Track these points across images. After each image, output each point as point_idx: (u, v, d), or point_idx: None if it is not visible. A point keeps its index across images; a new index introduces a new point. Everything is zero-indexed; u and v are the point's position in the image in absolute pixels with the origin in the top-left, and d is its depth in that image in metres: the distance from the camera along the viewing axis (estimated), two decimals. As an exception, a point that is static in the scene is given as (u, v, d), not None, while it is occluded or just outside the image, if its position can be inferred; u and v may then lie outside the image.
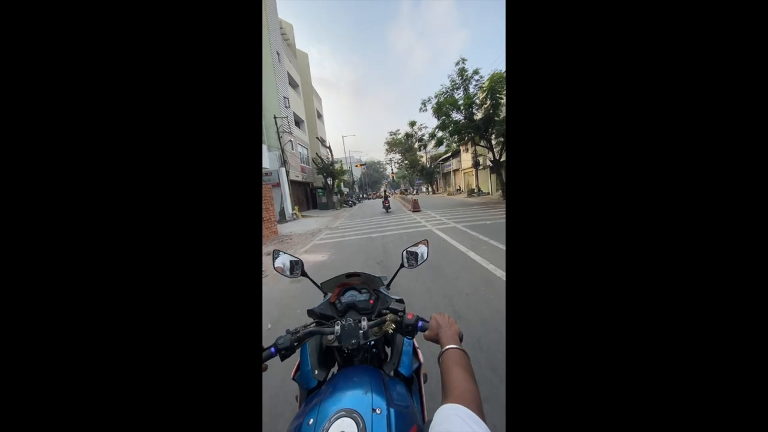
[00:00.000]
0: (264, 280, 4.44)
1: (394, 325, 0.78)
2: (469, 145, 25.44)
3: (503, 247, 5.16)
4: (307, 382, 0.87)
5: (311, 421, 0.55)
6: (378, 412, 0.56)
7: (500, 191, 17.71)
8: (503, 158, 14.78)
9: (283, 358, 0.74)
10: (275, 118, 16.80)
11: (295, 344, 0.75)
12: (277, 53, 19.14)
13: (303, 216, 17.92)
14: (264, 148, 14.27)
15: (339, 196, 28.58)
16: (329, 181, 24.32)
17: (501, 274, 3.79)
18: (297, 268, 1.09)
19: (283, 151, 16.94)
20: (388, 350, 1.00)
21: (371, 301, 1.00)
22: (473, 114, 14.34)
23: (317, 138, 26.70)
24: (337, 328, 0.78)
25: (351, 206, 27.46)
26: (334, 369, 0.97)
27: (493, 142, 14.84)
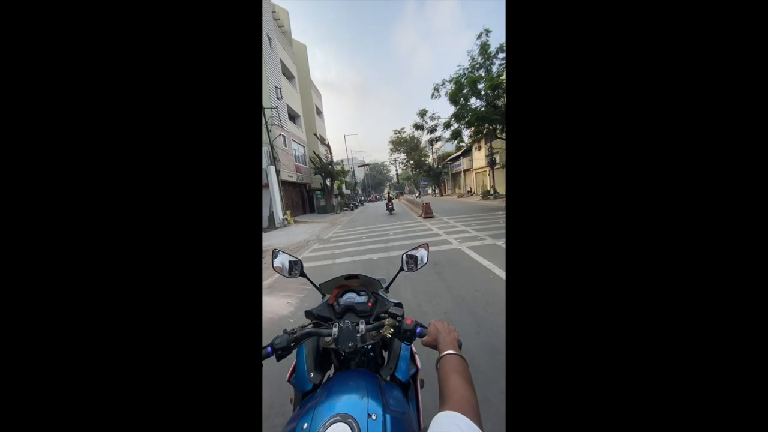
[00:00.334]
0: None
1: (392, 330, 0.76)
2: (483, 142, 23.13)
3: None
4: (303, 385, 0.85)
5: (305, 425, 0.55)
6: (374, 417, 0.55)
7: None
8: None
9: (279, 359, 0.73)
10: (262, 108, 14.47)
11: (292, 345, 0.75)
12: (268, 37, 16.90)
13: (296, 222, 15.59)
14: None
15: (340, 198, 26.46)
16: (328, 182, 22.12)
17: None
18: (296, 268, 1.08)
19: (272, 147, 14.57)
20: (386, 354, 0.98)
21: (369, 304, 0.96)
22: (498, 99, 11.80)
23: (315, 135, 24.26)
24: (335, 330, 0.77)
25: (352, 210, 25.65)
26: (330, 372, 0.94)
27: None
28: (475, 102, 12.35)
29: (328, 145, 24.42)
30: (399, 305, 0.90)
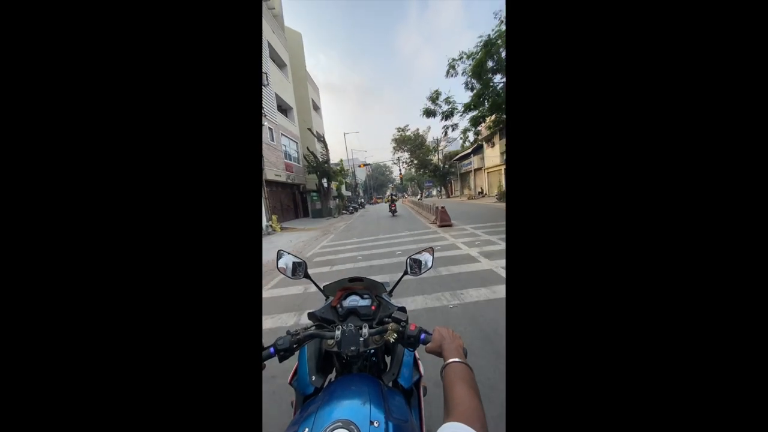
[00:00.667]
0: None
1: (395, 335, 0.75)
2: (497, 138, 20.64)
3: None
4: (304, 388, 0.86)
5: (306, 430, 0.54)
6: (376, 425, 0.54)
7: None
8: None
9: (281, 360, 0.73)
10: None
11: (295, 346, 0.75)
12: (252, 14, 14.52)
13: (282, 229, 13.14)
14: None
15: (338, 200, 24.01)
16: (324, 182, 19.70)
17: None
18: (300, 269, 1.08)
19: (253, 139, 12.16)
20: (388, 360, 0.97)
21: (373, 308, 0.94)
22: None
23: (309, 130, 21.82)
24: (338, 333, 0.77)
25: (351, 213, 23.18)
26: (332, 376, 0.94)
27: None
28: (500, 81, 9.88)
29: (324, 141, 22.04)
30: (402, 309, 0.89)
